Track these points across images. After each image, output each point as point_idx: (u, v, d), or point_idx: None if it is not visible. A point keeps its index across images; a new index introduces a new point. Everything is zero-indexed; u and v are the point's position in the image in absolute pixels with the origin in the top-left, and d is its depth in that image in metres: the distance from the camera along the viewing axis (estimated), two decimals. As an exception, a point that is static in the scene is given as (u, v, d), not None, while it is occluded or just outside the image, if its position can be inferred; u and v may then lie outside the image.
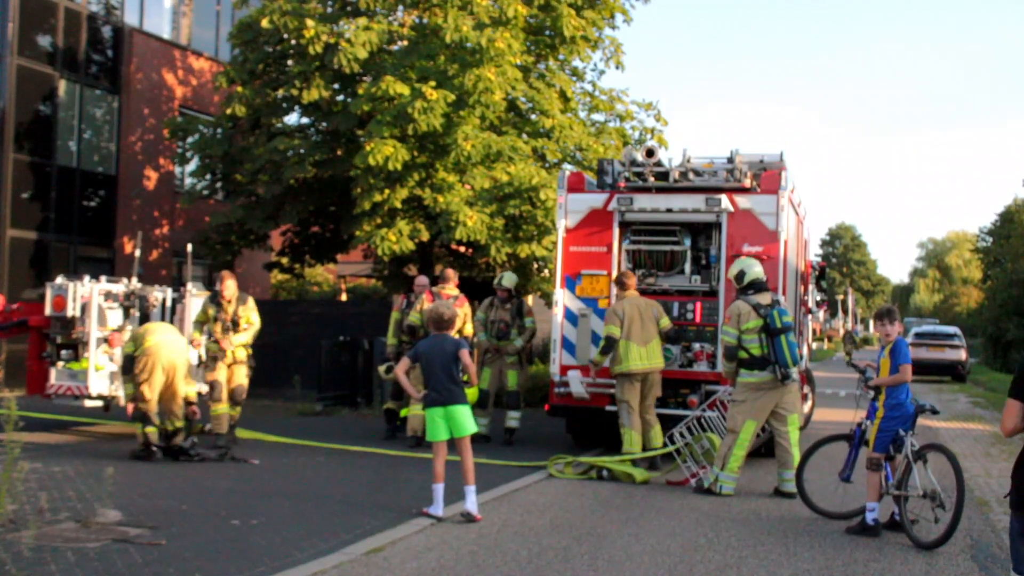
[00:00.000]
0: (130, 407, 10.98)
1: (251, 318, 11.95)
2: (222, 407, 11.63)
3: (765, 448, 12.33)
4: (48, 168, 20.70)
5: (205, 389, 12.45)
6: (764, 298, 9.91)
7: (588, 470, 10.58)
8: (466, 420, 8.27)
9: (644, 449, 11.00)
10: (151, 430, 10.78)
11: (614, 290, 11.48)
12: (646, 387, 11.08)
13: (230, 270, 12.91)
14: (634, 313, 11.01)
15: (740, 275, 10.12)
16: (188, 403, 11.11)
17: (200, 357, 12.11)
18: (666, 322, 11.22)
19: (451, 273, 13.12)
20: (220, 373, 11.68)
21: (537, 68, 19.28)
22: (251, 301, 12.09)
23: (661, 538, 7.74)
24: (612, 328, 10.97)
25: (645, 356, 10.97)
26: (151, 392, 10.74)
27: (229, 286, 11.82)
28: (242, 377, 11.90)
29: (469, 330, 12.86)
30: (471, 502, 8.12)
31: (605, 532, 7.92)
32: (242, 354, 11.86)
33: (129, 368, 10.85)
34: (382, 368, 13.27)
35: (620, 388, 11.05)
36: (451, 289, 12.85)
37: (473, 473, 8.22)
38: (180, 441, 10.99)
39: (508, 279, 13.39)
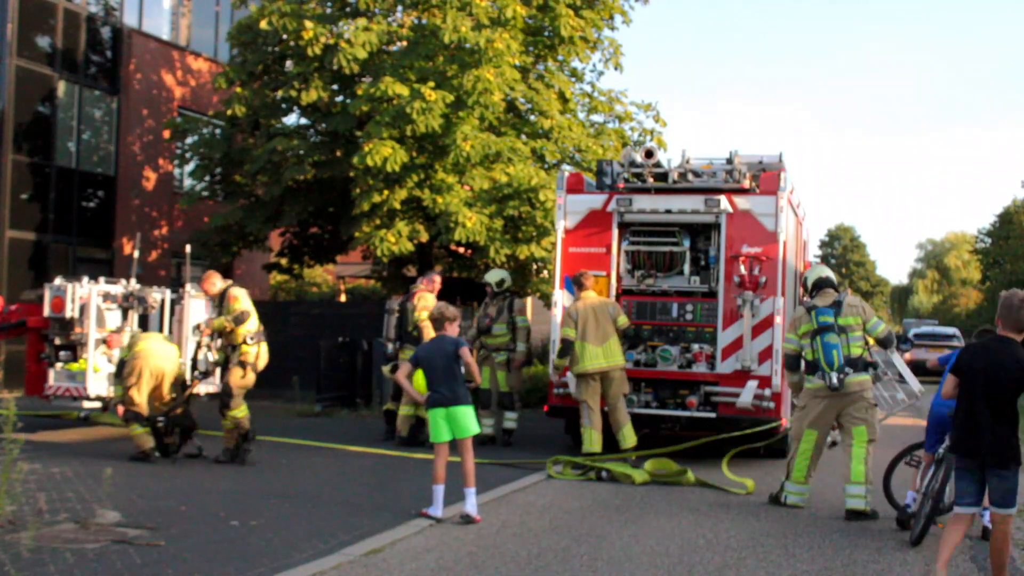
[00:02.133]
0: (120, 409, 11.00)
1: (232, 307, 10.76)
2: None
3: (765, 449, 12.35)
4: (47, 169, 20.69)
5: (204, 391, 12.45)
6: (824, 298, 9.33)
7: (587, 471, 10.58)
8: (468, 421, 8.27)
9: (615, 448, 11.15)
10: (144, 430, 10.80)
11: (568, 291, 11.72)
12: (607, 385, 11.21)
13: (215, 269, 12.17)
14: (588, 314, 11.18)
15: (805, 280, 9.84)
16: (172, 408, 11.09)
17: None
18: (623, 320, 11.36)
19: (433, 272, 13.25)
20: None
21: (536, 69, 19.29)
22: (232, 291, 10.85)
23: (660, 539, 7.74)
24: (567, 330, 11.24)
25: (602, 355, 11.11)
26: (140, 396, 10.76)
27: (207, 289, 11.15)
28: (227, 376, 10.87)
29: (426, 318, 12.15)
30: (471, 504, 8.11)
31: (604, 533, 7.92)
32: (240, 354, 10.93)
33: (120, 371, 10.91)
34: (386, 368, 13.30)
35: (578, 388, 11.27)
36: (423, 286, 12.93)
37: (474, 475, 8.21)
38: (172, 440, 11.04)
39: (490, 275, 13.42)
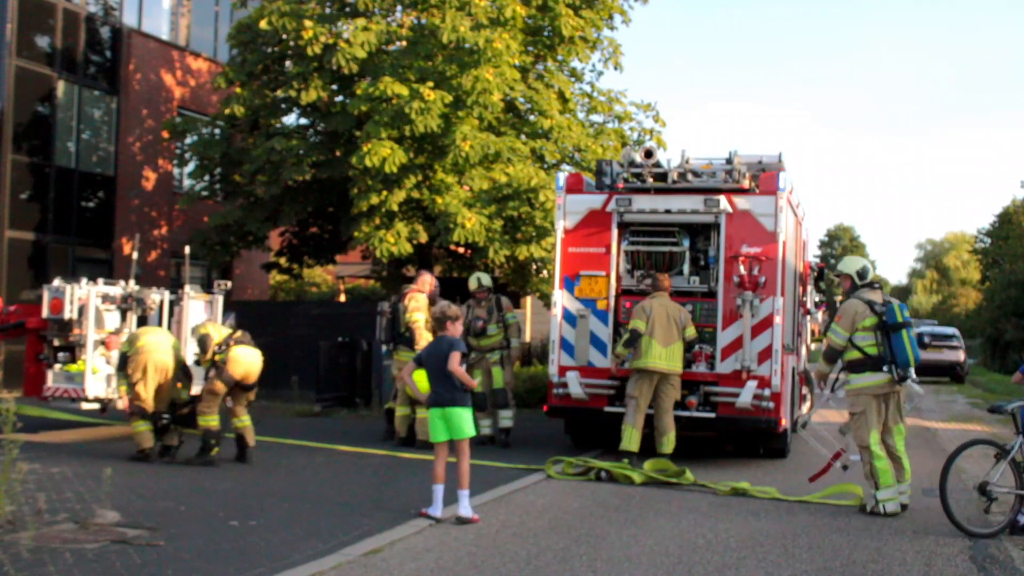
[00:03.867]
0: (126, 403, 11.03)
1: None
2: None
3: (764, 449, 12.37)
4: (46, 169, 20.69)
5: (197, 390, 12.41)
6: (877, 296, 9.34)
7: (587, 471, 10.57)
8: (463, 423, 8.25)
9: (647, 452, 11.01)
10: (147, 428, 10.81)
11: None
12: (663, 388, 11.09)
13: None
14: (661, 313, 11.07)
15: (864, 271, 9.49)
16: (179, 405, 11.09)
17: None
18: (692, 331, 11.25)
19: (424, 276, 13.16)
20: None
21: (535, 69, 19.29)
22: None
23: (660, 539, 7.74)
24: (638, 322, 11.03)
25: (665, 357, 10.98)
26: (146, 392, 10.80)
27: None
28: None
29: (417, 319, 12.39)
30: (464, 507, 8.08)
31: (604, 533, 7.91)
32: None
33: (123, 366, 10.92)
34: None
35: (634, 383, 11.07)
36: (415, 287, 12.89)
37: (468, 477, 8.17)
38: (172, 440, 11.06)
39: (486, 279, 13.24)
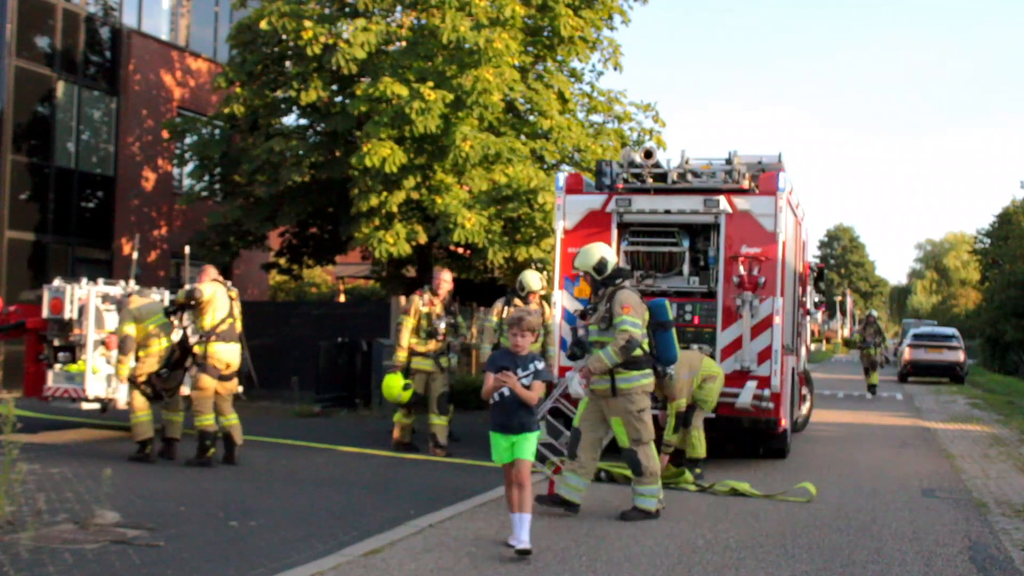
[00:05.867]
0: (124, 381, 11.22)
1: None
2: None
3: (764, 449, 12.38)
4: (46, 169, 20.70)
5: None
6: (634, 286, 9.07)
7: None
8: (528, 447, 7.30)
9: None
10: (147, 416, 10.89)
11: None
12: None
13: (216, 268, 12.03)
14: None
15: (602, 264, 8.68)
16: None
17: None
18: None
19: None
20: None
21: (535, 69, 19.32)
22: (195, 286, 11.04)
23: (659, 539, 7.73)
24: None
25: None
26: (144, 376, 10.99)
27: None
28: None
29: (399, 320, 12.18)
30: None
31: (603, 533, 7.91)
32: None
33: (126, 347, 11.03)
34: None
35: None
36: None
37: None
38: (173, 434, 11.15)
39: (534, 280, 12.73)
